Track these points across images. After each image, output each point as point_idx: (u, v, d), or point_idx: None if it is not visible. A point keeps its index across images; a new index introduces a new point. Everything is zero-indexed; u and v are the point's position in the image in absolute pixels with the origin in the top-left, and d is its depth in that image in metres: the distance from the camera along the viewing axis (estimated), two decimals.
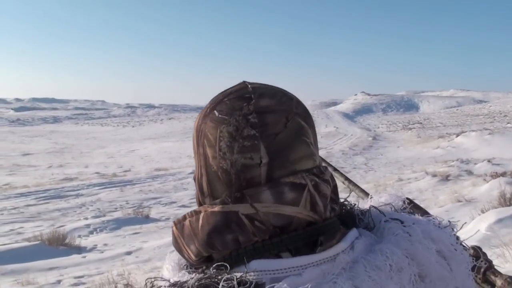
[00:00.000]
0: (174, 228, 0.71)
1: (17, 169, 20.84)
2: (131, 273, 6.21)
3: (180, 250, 0.71)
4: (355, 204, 0.79)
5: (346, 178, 1.15)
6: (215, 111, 0.71)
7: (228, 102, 0.70)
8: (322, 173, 0.69)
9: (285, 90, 0.74)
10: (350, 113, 76.72)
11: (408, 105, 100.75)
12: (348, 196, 0.87)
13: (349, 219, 0.75)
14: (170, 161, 24.26)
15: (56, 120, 72.77)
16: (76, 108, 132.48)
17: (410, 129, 46.18)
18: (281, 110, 0.69)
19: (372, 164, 20.87)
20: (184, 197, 12.76)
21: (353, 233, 0.69)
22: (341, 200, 0.77)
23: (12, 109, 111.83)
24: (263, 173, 0.66)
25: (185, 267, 0.73)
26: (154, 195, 13.15)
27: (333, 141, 33.18)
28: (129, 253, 7.44)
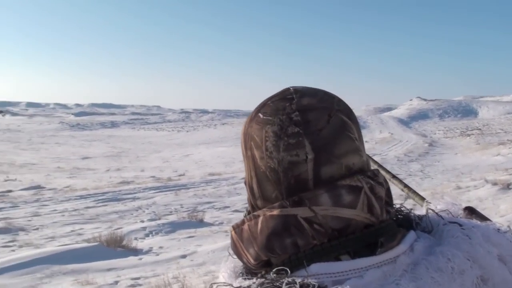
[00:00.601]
0: (233, 232, 0.73)
1: (77, 172, 21.54)
2: (186, 276, 6.30)
3: (239, 254, 0.72)
4: (411, 209, 0.79)
5: (405, 185, 1.14)
6: (259, 114, 0.73)
7: (272, 104, 0.72)
8: (376, 176, 0.70)
9: (326, 91, 0.75)
10: (405, 118, 75.13)
11: (466, 111, 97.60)
12: (404, 202, 0.86)
13: (406, 222, 0.75)
14: (223, 165, 24.48)
15: (113, 125, 74.78)
16: (133, 113, 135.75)
17: (469, 135, 44.76)
18: (323, 108, 0.70)
19: (428, 171, 20.34)
20: (238, 202, 12.82)
21: (412, 235, 0.69)
22: (397, 206, 0.77)
23: (72, 114, 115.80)
24: (309, 169, 0.67)
25: (240, 274, 0.73)
26: (208, 200, 13.28)
27: (387, 147, 32.56)
28: (183, 256, 7.54)
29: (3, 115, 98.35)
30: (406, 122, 69.50)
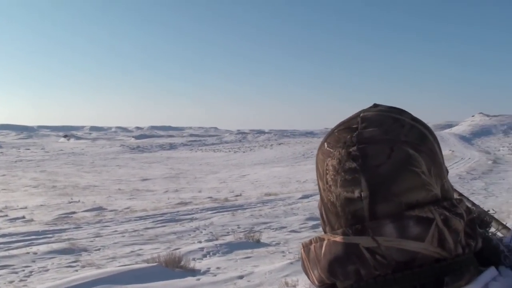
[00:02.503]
0: (302, 251, 0.71)
1: (136, 194, 22.07)
2: None
3: (306, 273, 0.71)
4: (502, 239, 0.72)
5: (487, 213, 1.03)
6: (325, 143, 0.71)
7: (337, 134, 0.70)
8: (454, 206, 0.64)
9: (401, 115, 0.70)
10: (467, 135, 72.90)
11: None
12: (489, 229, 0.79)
13: (493, 255, 0.68)
14: (279, 186, 24.45)
15: (172, 147, 76.37)
16: (191, 135, 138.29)
17: None
18: (385, 140, 0.65)
19: (492, 189, 19.56)
20: (294, 222, 12.73)
21: (490, 272, 0.63)
22: (489, 233, 0.72)
23: (133, 137, 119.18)
24: (365, 207, 0.64)
25: None
26: (265, 220, 13.25)
27: (449, 164, 31.55)
28: (241, 277, 7.53)
29: (68, 139, 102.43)
30: (468, 139, 67.41)
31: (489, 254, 0.67)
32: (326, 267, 0.65)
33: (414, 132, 0.68)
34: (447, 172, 0.72)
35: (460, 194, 0.95)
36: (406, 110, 0.73)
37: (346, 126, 0.70)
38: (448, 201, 0.65)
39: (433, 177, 0.66)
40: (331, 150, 0.68)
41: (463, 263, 0.62)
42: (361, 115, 0.70)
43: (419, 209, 0.62)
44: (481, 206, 0.87)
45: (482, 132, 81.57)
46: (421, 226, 0.61)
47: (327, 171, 0.68)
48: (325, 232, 0.71)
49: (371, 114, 0.70)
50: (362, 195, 0.64)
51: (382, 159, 0.64)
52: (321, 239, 0.67)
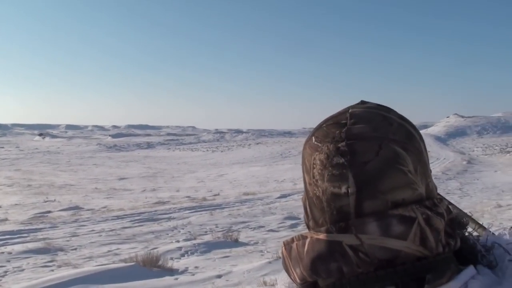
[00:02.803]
0: (283, 248, 0.71)
1: (113, 193, 21.88)
2: None
3: (287, 271, 0.71)
4: (478, 238, 0.73)
5: (465, 214, 1.06)
6: (313, 137, 0.71)
7: (325, 129, 0.70)
8: (435, 206, 0.65)
9: (389, 114, 0.71)
10: (442, 136, 73.96)
11: (506, 127, 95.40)
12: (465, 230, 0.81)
13: (471, 255, 0.69)
14: (258, 185, 24.49)
15: (149, 146, 75.87)
16: (168, 134, 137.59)
17: (509, 152, 43.70)
18: (374, 137, 0.66)
19: (467, 189, 19.90)
20: (272, 222, 12.76)
21: (469, 271, 0.64)
22: (466, 233, 0.72)
23: (110, 135, 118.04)
24: (351, 203, 0.64)
25: None
26: (243, 219, 13.26)
27: None
28: (219, 276, 7.52)
29: (43, 138, 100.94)
30: (443, 139, 68.41)
31: (467, 253, 0.68)
32: (308, 264, 0.65)
33: (402, 131, 0.69)
34: (431, 171, 0.73)
35: (438, 194, 0.97)
36: None
37: (335, 121, 0.70)
38: (430, 200, 0.66)
39: (419, 176, 0.67)
40: (319, 145, 0.68)
41: (444, 261, 0.63)
42: (349, 111, 0.70)
43: (402, 208, 0.63)
44: (457, 206, 0.89)
45: (457, 132, 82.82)
46: (403, 224, 0.62)
47: (314, 165, 0.67)
48: (308, 226, 0.72)
49: (360, 111, 0.70)
50: (349, 191, 0.64)
51: (370, 156, 0.65)
52: (304, 237, 0.67)
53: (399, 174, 0.65)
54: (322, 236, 0.64)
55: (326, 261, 0.63)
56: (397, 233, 0.61)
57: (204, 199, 18.37)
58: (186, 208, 15.29)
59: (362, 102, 0.74)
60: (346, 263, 0.62)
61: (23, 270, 8.10)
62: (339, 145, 0.66)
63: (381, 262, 0.62)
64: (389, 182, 0.64)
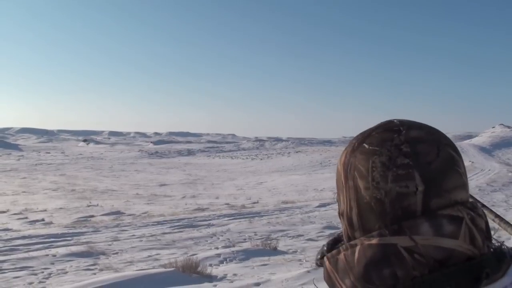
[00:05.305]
0: (327, 262, 0.70)
1: (154, 199, 22.17)
2: None
3: (333, 286, 0.70)
4: (503, 242, 0.74)
5: (497, 215, 1.07)
6: (364, 144, 0.71)
7: (377, 135, 0.71)
8: (475, 208, 0.68)
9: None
10: (487, 146, 71.97)
11: None
12: (494, 234, 0.81)
13: (500, 256, 0.69)
14: (297, 194, 24.38)
15: (190, 153, 76.60)
16: (209, 142, 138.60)
17: None
18: (432, 140, 0.69)
19: None
20: (311, 231, 12.67)
21: None
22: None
23: (151, 142, 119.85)
24: (419, 201, 0.65)
25: None
26: (282, 228, 13.22)
27: (469, 176, 30.69)
28: (257, 284, 7.51)
29: (87, 144, 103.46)
30: (488, 150, 66.58)
31: (498, 255, 0.69)
32: (361, 272, 0.64)
33: (448, 138, 0.72)
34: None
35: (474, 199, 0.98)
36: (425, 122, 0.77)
37: (386, 128, 0.72)
38: (470, 202, 0.69)
39: (467, 179, 0.71)
40: (377, 148, 0.69)
41: (493, 259, 0.65)
42: (395, 119, 0.73)
43: (450, 208, 0.65)
44: (486, 205, 0.92)
45: (503, 143, 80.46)
46: (453, 224, 0.64)
47: (374, 168, 0.68)
48: (349, 239, 0.71)
49: (405, 120, 0.73)
50: (418, 188, 0.65)
51: (432, 156, 0.67)
52: (353, 246, 0.67)
53: (457, 175, 0.68)
54: (374, 241, 0.65)
55: (380, 266, 0.63)
56: (449, 233, 0.63)
57: (243, 206, 18.40)
58: (225, 215, 15.36)
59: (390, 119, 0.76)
60: (401, 266, 0.62)
61: (66, 272, 8.30)
62: (401, 147, 0.68)
63: (435, 262, 0.62)
64: (451, 182, 0.67)
